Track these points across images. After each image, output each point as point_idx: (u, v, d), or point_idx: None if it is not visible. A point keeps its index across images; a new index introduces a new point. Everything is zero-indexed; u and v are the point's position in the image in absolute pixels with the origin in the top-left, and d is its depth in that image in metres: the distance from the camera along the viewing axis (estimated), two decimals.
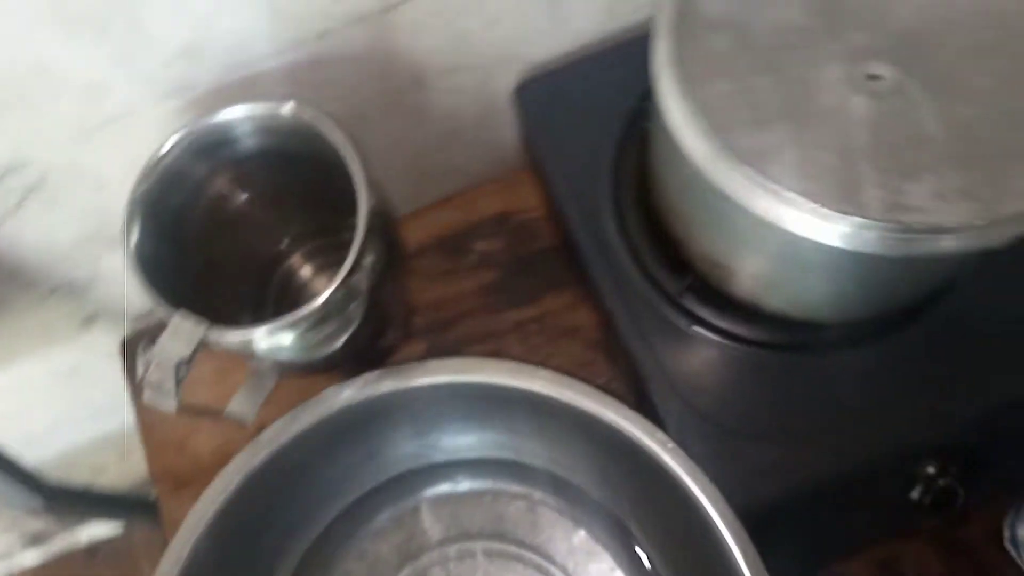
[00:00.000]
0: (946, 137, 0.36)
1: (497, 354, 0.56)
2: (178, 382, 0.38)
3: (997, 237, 0.34)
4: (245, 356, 0.45)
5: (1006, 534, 0.50)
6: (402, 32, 0.45)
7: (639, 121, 0.50)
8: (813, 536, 0.48)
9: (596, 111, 0.51)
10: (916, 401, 0.44)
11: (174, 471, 0.54)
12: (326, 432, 0.47)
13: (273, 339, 0.43)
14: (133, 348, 0.58)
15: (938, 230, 0.34)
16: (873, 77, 0.37)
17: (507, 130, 0.58)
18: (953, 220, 0.34)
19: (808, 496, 0.44)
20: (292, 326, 0.41)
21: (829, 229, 0.34)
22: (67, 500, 0.58)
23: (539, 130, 0.52)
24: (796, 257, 0.39)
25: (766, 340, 0.46)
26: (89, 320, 0.57)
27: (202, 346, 0.39)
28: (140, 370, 0.38)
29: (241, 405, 0.46)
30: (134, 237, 0.41)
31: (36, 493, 0.51)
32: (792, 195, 0.34)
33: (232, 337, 0.40)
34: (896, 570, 0.50)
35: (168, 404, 0.39)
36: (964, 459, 0.46)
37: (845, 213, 0.34)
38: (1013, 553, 0.49)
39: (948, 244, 0.34)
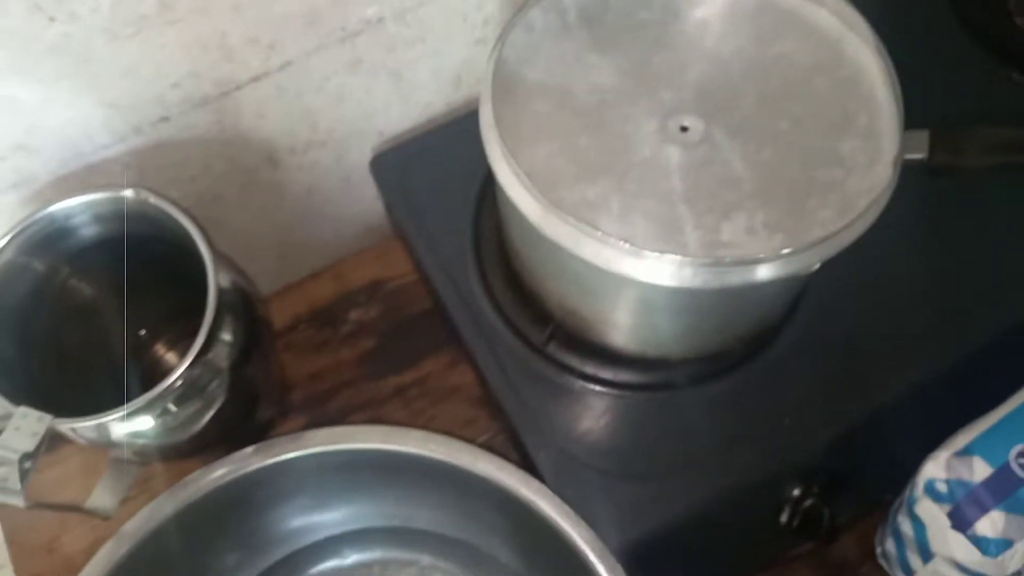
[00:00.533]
0: (752, 177, 0.39)
1: (378, 421, 0.56)
2: (23, 476, 0.37)
3: (804, 263, 0.37)
4: (106, 447, 0.44)
5: (877, 550, 0.52)
6: (246, 113, 0.46)
7: (491, 183, 0.52)
8: (694, 569, 0.49)
9: (453, 177, 0.53)
10: (772, 427, 0.46)
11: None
12: (196, 517, 0.45)
13: (130, 425, 0.42)
14: None
15: (751, 261, 0.36)
16: (683, 129, 0.40)
17: (372, 201, 0.60)
18: (763, 251, 0.36)
19: (682, 529, 0.45)
20: (146, 409, 0.40)
21: (654, 269, 0.37)
22: None
23: (399, 199, 0.54)
24: (634, 298, 0.41)
25: (628, 382, 0.48)
26: None
27: (48, 439, 0.38)
28: None
29: (102, 498, 0.45)
30: None
31: None
32: (617, 240, 0.36)
33: (82, 426, 0.39)
34: None
35: (15, 500, 0.37)
36: (825, 479, 0.49)
37: (666, 252, 0.36)
38: (885, 567, 0.52)
39: (761, 273, 0.36)
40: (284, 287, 0.58)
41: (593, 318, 0.44)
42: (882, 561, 0.52)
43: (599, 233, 0.36)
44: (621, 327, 0.44)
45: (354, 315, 0.59)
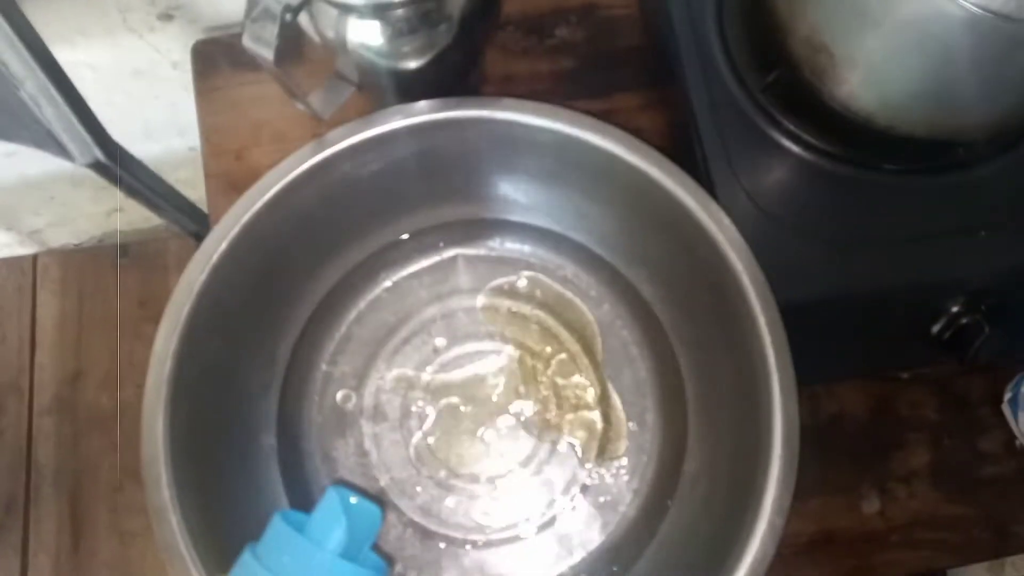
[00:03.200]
0: None
1: None
2: (282, 31, 0.39)
3: None
4: (335, 52, 0.45)
5: (1007, 395, 0.52)
6: None
7: None
8: (829, 347, 0.50)
9: None
10: (969, 237, 0.46)
11: (228, 175, 0.55)
12: (390, 149, 0.47)
13: (362, 28, 0.43)
14: (205, 56, 0.58)
15: None
16: None
17: None
18: None
19: (843, 302, 0.46)
20: (380, 12, 0.42)
21: None
22: (124, 163, 0.57)
23: None
24: (913, 30, 0.38)
25: (838, 152, 0.47)
26: (165, 17, 0.57)
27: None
28: (247, 8, 0.38)
29: (319, 101, 0.47)
30: None
31: (98, 145, 0.52)
32: None
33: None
34: (890, 406, 0.53)
35: (267, 52, 0.39)
36: (990, 305, 0.48)
37: None
38: (1009, 414, 0.52)
39: None
40: None
41: (843, 57, 0.42)
42: (1007, 408, 0.52)
43: None
44: (871, 71, 0.42)
45: (561, 32, 0.59)
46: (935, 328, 0.48)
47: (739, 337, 0.45)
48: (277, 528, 0.38)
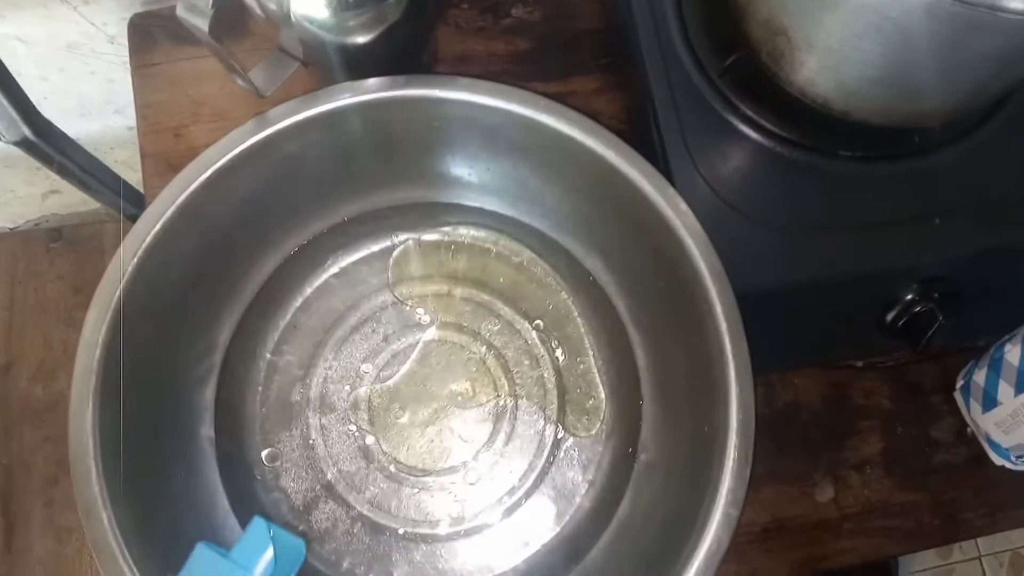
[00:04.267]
0: None
1: None
2: (216, 1, 0.36)
3: None
4: (279, 25, 0.43)
5: (959, 383, 0.52)
6: None
7: None
8: (785, 336, 0.50)
9: None
10: (923, 224, 0.45)
11: (166, 154, 0.52)
12: (337, 128, 0.45)
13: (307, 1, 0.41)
14: (142, 30, 0.55)
15: None
16: None
17: None
18: None
19: (798, 289, 0.45)
20: None
21: None
22: (54, 141, 0.54)
23: None
24: (870, 14, 0.37)
25: (795, 139, 0.46)
26: None
27: None
28: None
29: (261, 77, 0.45)
30: None
31: (25, 122, 0.49)
32: None
33: None
34: (845, 394, 0.53)
35: (200, 23, 0.37)
36: (943, 293, 0.48)
37: None
38: (960, 402, 0.52)
39: None
40: None
41: (802, 41, 0.41)
42: (959, 396, 0.52)
43: None
44: (827, 56, 0.41)
45: (517, 11, 0.57)
46: (889, 316, 0.48)
47: (695, 325, 0.44)
48: (201, 555, 0.37)
